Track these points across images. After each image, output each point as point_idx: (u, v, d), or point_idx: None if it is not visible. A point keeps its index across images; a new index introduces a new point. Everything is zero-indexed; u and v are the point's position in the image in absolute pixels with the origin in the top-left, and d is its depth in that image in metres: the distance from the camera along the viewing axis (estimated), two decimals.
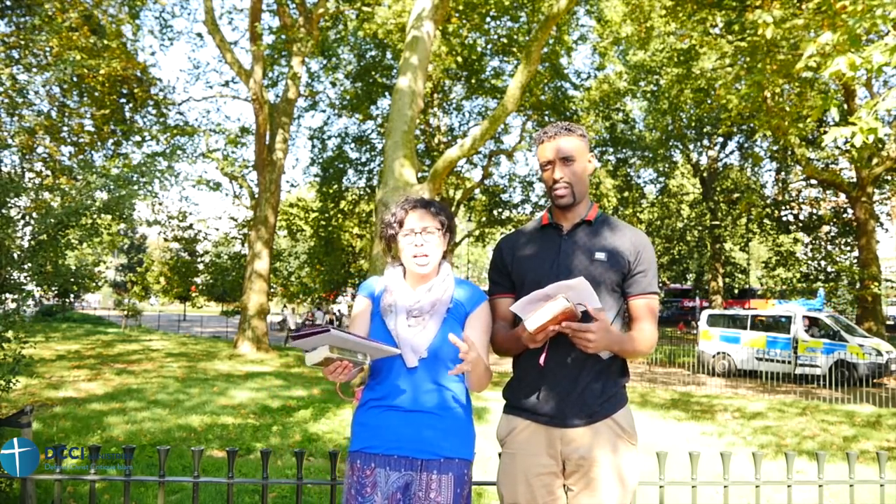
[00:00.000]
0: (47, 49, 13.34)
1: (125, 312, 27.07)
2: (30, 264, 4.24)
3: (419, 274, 2.06)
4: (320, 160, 25.81)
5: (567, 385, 2.02)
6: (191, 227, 23.67)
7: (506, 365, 2.23)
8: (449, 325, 2.02)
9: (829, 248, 26.88)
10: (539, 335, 1.88)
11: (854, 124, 4.64)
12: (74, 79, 15.47)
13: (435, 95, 24.86)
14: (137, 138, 18.31)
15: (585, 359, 2.02)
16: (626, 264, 2.07)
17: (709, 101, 21.04)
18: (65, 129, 16.56)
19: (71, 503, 4.28)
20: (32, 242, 4.32)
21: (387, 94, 23.48)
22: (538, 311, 1.84)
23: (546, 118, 24.22)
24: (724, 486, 2.59)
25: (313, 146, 26.29)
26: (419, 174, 12.54)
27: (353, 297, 27.95)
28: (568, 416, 2.01)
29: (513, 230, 2.33)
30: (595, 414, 2.01)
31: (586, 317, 1.91)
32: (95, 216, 4.67)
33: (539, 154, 2.14)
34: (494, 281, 2.23)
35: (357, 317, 2.12)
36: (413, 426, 1.96)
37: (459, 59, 20.49)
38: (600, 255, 2.06)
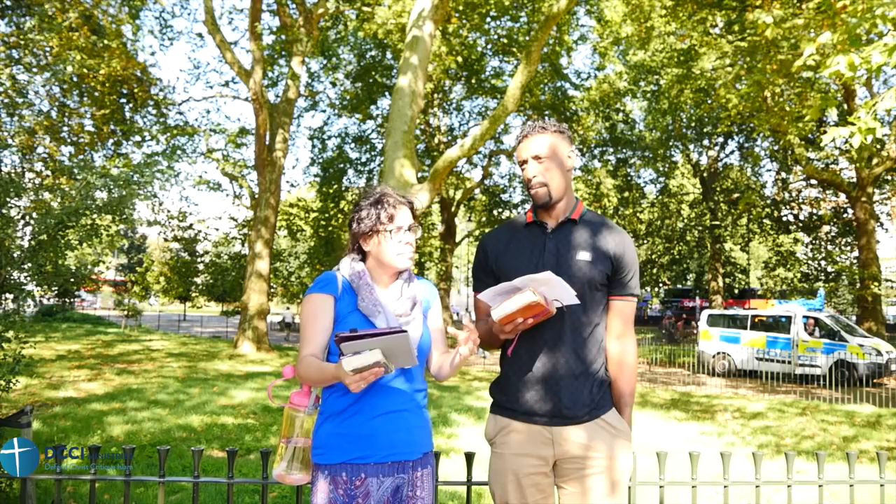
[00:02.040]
0: (47, 49, 13.34)
1: (125, 312, 27.08)
2: (30, 264, 4.24)
3: (395, 271, 2.03)
4: (320, 160, 25.83)
5: (555, 384, 2.01)
6: (191, 227, 23.67)
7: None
8: (425, 321, 2.05)
9: (829, 248, 26.90)
10: (507, 326, 1.91)
11: (853, 124, 4.64)
12: (74, 79, 15.47)
13: (435, 95, 24.86)
14: (137, 138, 18.32)
15: (572, 358, 2.02)
16: (610, 264, 2.08)
17: (709, 101, 21.04)
18: (65, 129, 16.56)
19: (71, 503, 4.28)
20: (32, 242, 4.32)
21: (387, 94, 23.50)
22: (505, 303, 1.86)
23: (546, 118, 24.20)
24: (724, 486, 2.59)
25: (313, 146, 26.31)
26: (419, 174, 12.55)
27: None
28: (557, 416, 2.01)
29: (495, 227, 2.31)
30: (588, 413, 2.02)
31: (561, 312, 1.95)
32: (95, 216, 4.67)
33: (517, 154, 2.16)
34: (479, 278, 2.22)
35: (319, 316, 1.94)
36: (405, 429, 1.94)
37: (459, 59, 20.50)
38: (584, 255, 2.06)
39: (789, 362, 14.81)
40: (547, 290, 1.86)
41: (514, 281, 1.87)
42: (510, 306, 1.85)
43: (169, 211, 22.08)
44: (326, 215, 25.49)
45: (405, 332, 1.63)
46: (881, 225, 25.01)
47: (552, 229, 2.12)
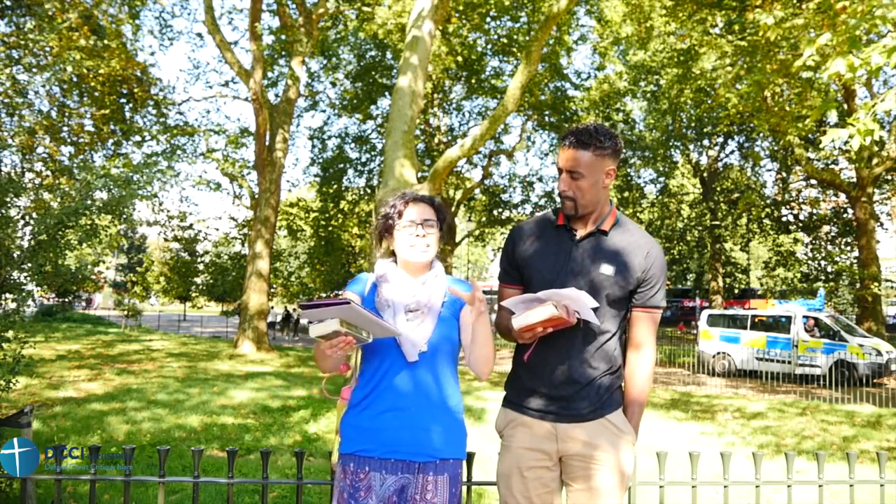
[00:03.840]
0: (47, 49, 13.33)
1: (125, 312, 27.09)
2: (30, 264, 4.24)
3: (416, 266, 2.05)
4: (320, 160, 25.83)
5: (565, 382, 2.04)
6: (191, 227, 23.68)
7: (507, 365, 2.28)
8: (445, 321, 2.03)
9: (829, 248, 26.88)
10: (526, 334, 1.95)
11: (852, 125, 4.64)
12: (74, 79, 15.47)
13: (435, 95, 24.86)
14: (137, 138, 18.31)
15: (583, 357, 2.05)
16: (634, 280, 2.07)
17: (709, 102, 21.03)
18: (65, 129, 16.55)
19: (71, 503, 4.28)
20: (32, 242, 4.32)
21: (387, 94, 23.49)
22: (527, 313, 1.90)
23: (546, 118, 24.21)
24: (724, 486, 2.59)
25: (313, 146, 26.33)
26: (419, 174, 12.55)
27: None
28: (565, 413, 2.04)
29: (529, 218, 2.30)
30: (593, 412, 2.04)
31: (578, 321, 1.97)
32: (95, 216, 4.66)
33: (558, 155, 2.13)
34: (504, 269, 2.25)
35: None
36: (411, 428, 1.93)
37: (459, 59, 20.49)
38: (608, 269, 2.05)
39: (789, 362, 14.80)
40: (570, 303, 1.90)
41: (539, 293, 1.91)
42: (532, 318, 1.88)
43: (169, 211, 22.10)
44: (326, 215, 25.50)
45: (348, 302, 1.71)
46: (881, 225, 25.01)
47: (580, 238, 2.11)
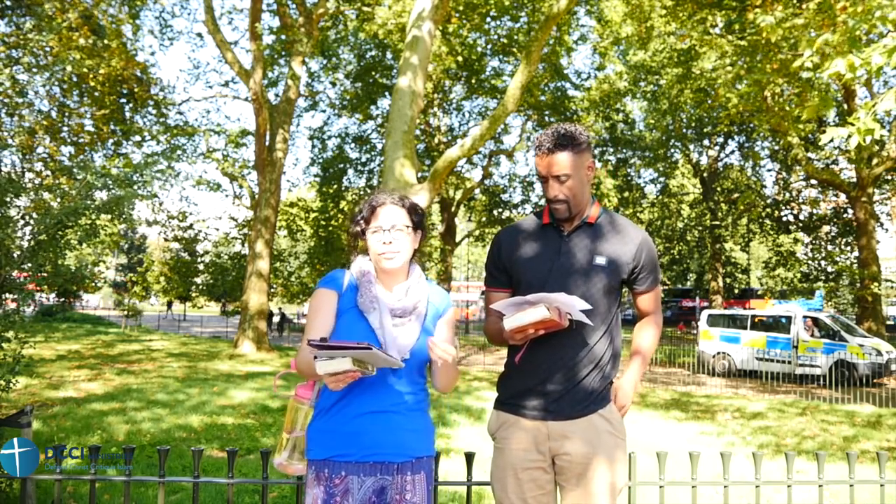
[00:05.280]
0: (47, 49, 13.32)
1: (125, 313, 27.06)
2: (30, 264, 4.24)
3: (389, 271, 2.01)
4: (320, 160, 25.83)
5: (557, 382, 2.05)
6: (191, 227, 23.67)
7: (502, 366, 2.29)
8: (427, 327, 2.03)
9: (829, 248, 26.88)
10: (517, 336, 1.94)
11: (852, 125, 4.64)
12: (74, 79, 15.46)
13: (435, 95, 24.85)
14: (137, 138, 18.31)
15: (575, 356, 2.05)
16: (627, 268, 2.10)
17: (709, 102, 21.03)
18: (65, 129, 16.54)
19: (71, 503, 4.28)
20: (32, 242, 4.32)
21: (387, 94, 23.49)
22: (518, 315, 1.90)
23: (546, 118, 24.21)
24: (724, 486, 2.59)
25: (313, 146, 26.32)
26: (419, 174, 12.54)
27: None
28: (557, 412, 2.05)
29: (513, 223, 2.32)
30: (584, 410, 2.05)
31: (571, 324, 1.99)
32: (94, 216, 4.66)
33: (536, 164, 2.13)
34: (492, 273, 2.25)
35: (321, 311, 1.98)
36: (391, 430, 1.92)
37: (459, 59, 20.50)
38: (600, 260, 2.07)
39: (789, 362, 14.79)
40: (561, 305, 1.90)
41: (529, 296, 1.91)
42: (523, 319, 1.88)
43: (169, 211, 22.10)
44: (326, 215, 25.48)
45: (370, 348, 1.66)
46: (881, 225, 24.98)
47: (568, 232, 2.13)
